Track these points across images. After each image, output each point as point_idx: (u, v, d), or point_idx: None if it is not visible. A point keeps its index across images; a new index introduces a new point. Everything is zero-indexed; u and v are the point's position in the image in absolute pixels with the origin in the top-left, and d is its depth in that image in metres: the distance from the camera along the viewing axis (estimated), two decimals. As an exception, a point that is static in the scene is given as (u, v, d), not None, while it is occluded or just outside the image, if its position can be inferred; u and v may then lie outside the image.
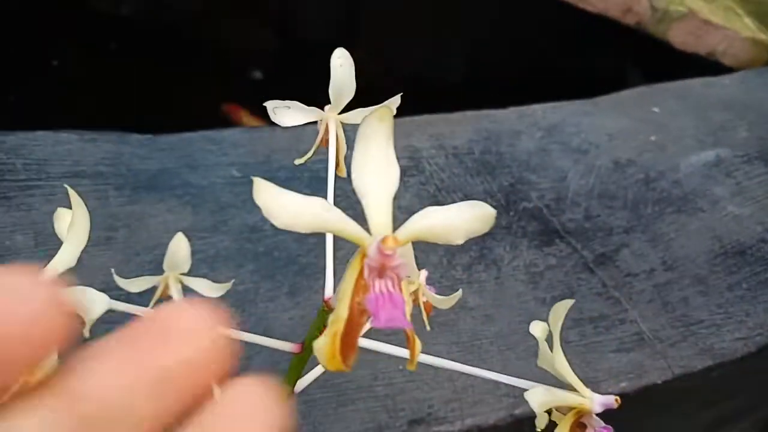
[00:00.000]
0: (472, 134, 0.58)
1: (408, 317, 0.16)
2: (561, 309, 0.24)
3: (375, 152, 0.17)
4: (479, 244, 0.50)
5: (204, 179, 0.50)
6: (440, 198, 0.52)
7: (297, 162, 0.27)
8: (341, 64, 0.24)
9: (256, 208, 0.55)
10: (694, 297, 0.49)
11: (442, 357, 0.44)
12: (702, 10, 1.13)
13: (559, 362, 0.23)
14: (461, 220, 0.17)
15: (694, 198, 0.57)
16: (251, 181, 0.60)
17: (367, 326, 0.17)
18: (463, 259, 0.49)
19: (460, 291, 0.29)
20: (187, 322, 0.13)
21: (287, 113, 0.25)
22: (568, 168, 0.57)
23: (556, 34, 1.08)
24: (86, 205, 0.50)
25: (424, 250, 0.48)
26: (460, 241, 0.17)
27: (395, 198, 0.54)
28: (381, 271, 0.16)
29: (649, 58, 1.06)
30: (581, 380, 0.45)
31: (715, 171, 0.60)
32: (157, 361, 0.12)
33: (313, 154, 0.26)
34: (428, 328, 0.29)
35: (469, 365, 0.44)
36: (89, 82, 0.92)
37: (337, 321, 0.16)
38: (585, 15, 1.06)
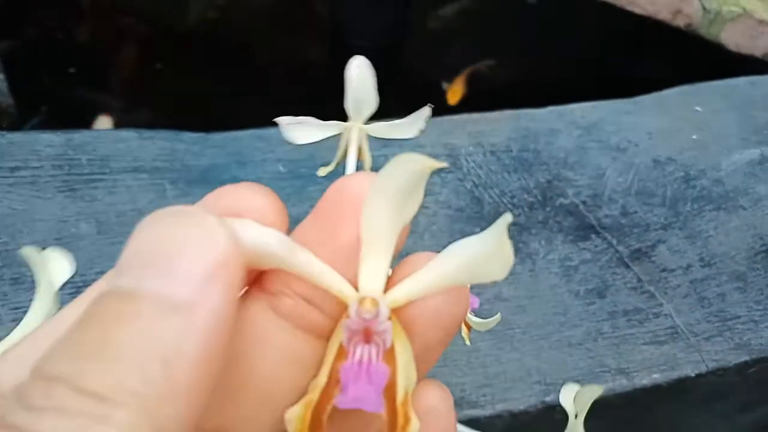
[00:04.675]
0: (511, 132, 0.59)
1: (382, 399, 0.13)
2: (588, 395, 0.22)
3: (390, 196, 0.14)
4: (515, 239, 0.51)
5: (252, 174, 0.53)
6: (477, 194, 0.54)
7: (320, 173, 0.27)
8: (359, 74, 0.22)
9: (301, 201, 0.58)
10: (731, 293, 0.49)
11: (475, 344, 0.46)
12: (757, 9, 1.10)
13: None
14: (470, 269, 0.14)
15: (735, 196, 0.57)
16: (296, 177, 0.62)
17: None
18: (499, 253, 0.50)
19: (499, 315, 0.28)
20: None
21: (299, 129, 0.23)
22: (606, 165, 0.58)
23: (604, 37, 1.08)
24: (145, 197, 0.53)
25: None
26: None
27: (435, 194, 0.56)
28: (367, 336, 0.14)
29: (700, 62, 1.05)
30: (615, 369, 0.45)
31: (758, 169, 0.60)
32: None
33: (335, 166, 0.26)
34: (468, 343, 0.28)
35: (501, 353, 0.46)
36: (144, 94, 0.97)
37: (315, 388, 0.14)
38: (633, 17, 1.05)
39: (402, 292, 0.14)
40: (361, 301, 0.14)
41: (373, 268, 0.14)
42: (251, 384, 0.14)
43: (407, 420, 0.14)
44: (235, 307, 0.12)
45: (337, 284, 0.14)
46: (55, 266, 0.22)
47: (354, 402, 0.13)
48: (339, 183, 0.15)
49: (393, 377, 0.14)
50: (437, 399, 0.16)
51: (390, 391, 0.14)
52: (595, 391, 0.22)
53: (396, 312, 0.14)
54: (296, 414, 0.14)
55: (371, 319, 0.14)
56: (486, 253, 0.13)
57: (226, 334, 0.12)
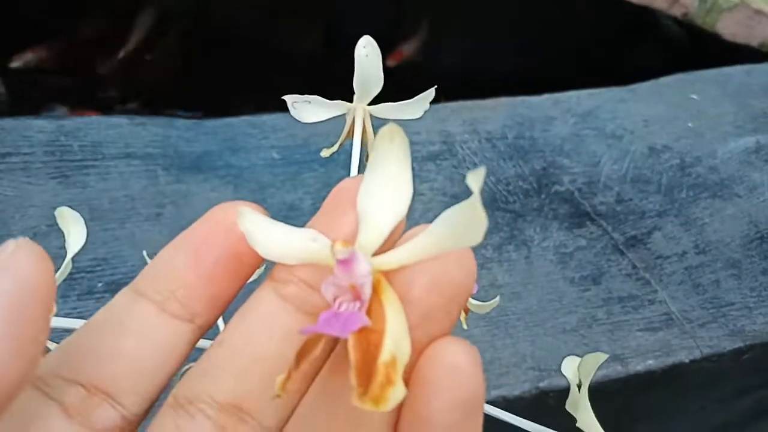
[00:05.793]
0: (506, 119, 0.59)
1: (349, 334, 0.13)
2: (592, 361, 0.22)
3: (383, 176, 0.15)
4: (510, 225, 0.51)
5: (245, 161, 0.53)
6: (472, 180, 0.54)
7: (323, 154, 0.27)
8: (367, 54, 0.22)
9: (295, 188, 0.57)
10: (726, 280, 0.49)
11: (469, 330, 0.46)
12: (754, -1, 1.10)
13: (583, 419, 0.22)
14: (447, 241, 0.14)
15: (730, 183, 0.57)
16: (290, 163, 0.62)
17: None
18: (494, 239, 0.50)
19: (498, 298, 0.28)
20: None
21: (307, 108, 0.23)
22: (602, 153, 0.57)
23: (600, 26, 1.08)
24: (137, 183, 0.53)
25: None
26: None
27: (430, 181, 0.56)
28: (354, 296, 0.14)
29: (696, 52, 1.05)
30: (609, 356, 0.45)
31: (753, 157, 0.59)
32: None
33: (339, 147, 0.26)
34: (465, 326, 0.29)
35: (495, 339, 0.45)
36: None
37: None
38: (629, 7, 1.04)
39: (392, 256, 0.15)
40: (333, 242, 0.14)
41: (365, 234, 0.15)
42: (260, 362, 0.15)
43: (390, 381, 0.13)
44: (29, 291, 0.14)
45: (320, 243, 0.15)
46: (72, 229, 0.23)
47: (318, 328, 0.13)
48: (341, 183, 0.16)
49: (377, 334, 0.13)
50: (461, 356, 0.14)
51: (369, 342, 0.13)
52: (599, 357, 0.21)
53: (389, 276, 0.14)
54: (280, 377, 0.14)
55: (346, 260, 0.14)
56: (465, 218, 0.13)
57: (21, 314, 0.13)
